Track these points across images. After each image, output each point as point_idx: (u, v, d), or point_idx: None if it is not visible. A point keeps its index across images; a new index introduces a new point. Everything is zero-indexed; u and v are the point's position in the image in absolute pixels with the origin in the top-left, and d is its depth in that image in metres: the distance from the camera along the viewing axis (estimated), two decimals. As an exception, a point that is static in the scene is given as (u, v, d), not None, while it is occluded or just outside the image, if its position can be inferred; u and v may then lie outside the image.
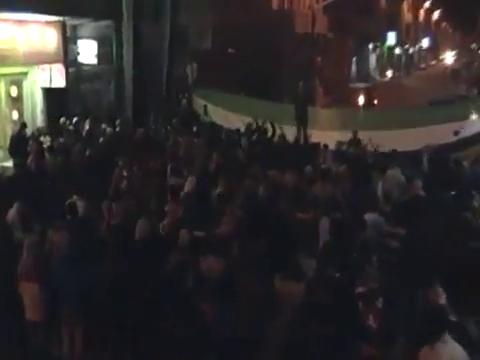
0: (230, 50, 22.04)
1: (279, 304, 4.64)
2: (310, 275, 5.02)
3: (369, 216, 6.24)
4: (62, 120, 12.54)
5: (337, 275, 5.06)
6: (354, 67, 35.49)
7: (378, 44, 40.95)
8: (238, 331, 4.43)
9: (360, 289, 4.68)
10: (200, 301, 4.65)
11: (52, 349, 5.40)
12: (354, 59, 35.63)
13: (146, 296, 4.81)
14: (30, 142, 10.80)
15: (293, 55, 24.66)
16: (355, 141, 10.70)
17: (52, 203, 7.11)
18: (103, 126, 12.50)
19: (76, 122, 12.60)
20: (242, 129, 12.44)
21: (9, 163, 10.82)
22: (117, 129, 12.40)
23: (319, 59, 28.83)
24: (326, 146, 10.55)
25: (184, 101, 15.82)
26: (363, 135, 11.25)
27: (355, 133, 11.05)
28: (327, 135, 12.12)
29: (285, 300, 4.66)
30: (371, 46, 39.33)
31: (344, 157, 9.63)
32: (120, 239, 5.69)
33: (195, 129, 13.03)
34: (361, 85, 31.54)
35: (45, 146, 10.56)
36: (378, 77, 38.98)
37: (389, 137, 11.00)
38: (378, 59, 42.30)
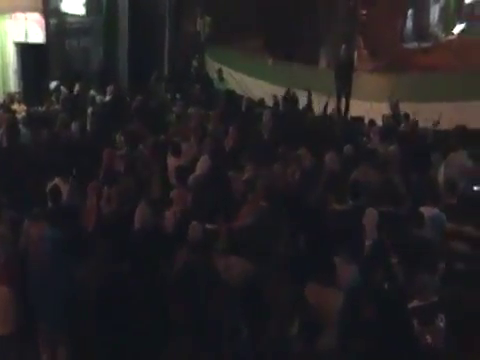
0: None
1: (311, 317, 4.66)
2: (350, 284, 5.02)
3: (427, 210, 6.19)
4: (54, 85, 12.51)
5: (386, 284, 5.04)
6: (410, 22, 34.90)
7: (443, -7, 40.17)
8: (259, 349, 4.44)
9: (416, 303, 4.64)
10: (213, 311, 4.67)
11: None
12: (410, 12, 35.03)
13: (147, 304, 4.84)
14: (-1, 111, 10.92)
15: (332, 7, 24.37)
16: (407, 116, 10.63)
17: (28, 187, 7.19)
18: (92, 93, 12.55)
19: (57, 87, 12.65)
20: (267, 99, 12.39)
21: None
22: (109, 97, 12.43)
23: (364, 12, 28.44)
24: (372, 121, 10.48)
25: (194, 63, 15.77)
26: (422, 108, 11.15)
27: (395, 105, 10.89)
28: (373, 107, 12.04)
29: (319, 313, 4.68)
30: (433, -4, 38.64)
31: (395, 135, 9.54)
32: (114, 231, 5.75)
33: (206, 98, 13.04)
34: (419, 45, 30.99)
35: (19, 117, 10.66)
36: (442, 34, 38.21)
37: (456, 111, 10.86)
38: (442, 11, 41.42)
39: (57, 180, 7.14)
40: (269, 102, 12.39)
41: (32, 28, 13.43)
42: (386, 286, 5.11)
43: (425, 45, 29.77)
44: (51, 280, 5.18)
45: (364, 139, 9.56)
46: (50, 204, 6.47)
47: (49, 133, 9.42)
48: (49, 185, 7.05)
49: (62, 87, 12.69)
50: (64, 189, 6.89)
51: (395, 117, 10.93)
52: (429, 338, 4.25)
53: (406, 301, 4.70)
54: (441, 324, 4.33)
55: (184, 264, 5.03)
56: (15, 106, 11.50)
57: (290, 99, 12.06)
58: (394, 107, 11.26)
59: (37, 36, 13.47)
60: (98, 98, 12.30)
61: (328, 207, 6.32)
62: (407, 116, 10.42)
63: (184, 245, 5.51)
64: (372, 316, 4.63)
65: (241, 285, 4.95)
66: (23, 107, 11.52)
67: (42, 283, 5.22)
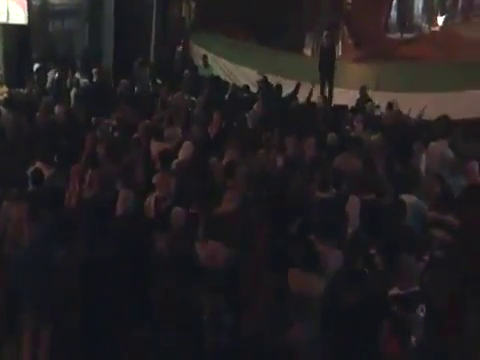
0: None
1: (294, 304, 4.65)
2: (333, 270, 5.01)
3: (409, 198, 6.20)
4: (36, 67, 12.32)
5: (367, 271, 5.04)
6: (394, 12, 34.89)
7: (427, -17, 40.16)
8: (240, 338, 4.44)
9: (396, 290, 4.65)
10: (195, 298, 4.64)
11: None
12: (394, 2, 35.01)
13: (128, 290, 4.80)
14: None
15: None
16: (390, 105, 10.64)
17: (9, 171, 7.08)
18: (76, 76, 12.43)
19: (40, 69, 12.45)
20: (251, 86, 12.33)
21: None
22: (94, 80, 12.28)
23: (349, 3, 28.39)
24: (355, 109, 10.47)
25: (179, 48, 15.60)
26: (404, 97, 11.19)
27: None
28: (357, 96, 12.07)
29: (302, 299, 4.68)
30: (418, -15, 38.63)
31: (378, 124, 9.55)
32: (95, 215, 5.69)
33: (192, 84, 12.93)
34: (403, 35, 30.98)
35: (1, 98, 10.51)
36: (425, 25, 38.19)
37: (438, 101, 10.90)
38: (426, 3, 41.41)
39: (39, 164, 7.06)
40: (253, 89, 12.36)
41: (14, 8, 13.16)
42: (367, 272, 5.12)
43: (409, 36, 29.84)
44: (32, 264, 5.07)
45: (347, 127, 9.53)
46: (31, 187, 6.39)
47: (31, 116, 9.30)
48: (31, 169, 6.99)
49: (46, 70, 12.52)
50: (46, 173, 6.81)
51: (362, 102, 10.97)
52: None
53: (386, 287, 4.74)
54: (421, 314, 4.34)
55: (166, 250, 4.97)
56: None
57: (266, 86, 11.98)
58: (363, 92, 11.31)
59: (19, 17, 13.22)
60: (82, 81, 12.18)
61: (311, 194, 6.30)
62: (390, 105, 10.40)
63: (166, 230, 5.48)
64: (353, 301, 4.64)
65: (223, 271, 4.94)
66: (5, 89, 11.34)
67: (24, 265, 5.11)
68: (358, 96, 11.53)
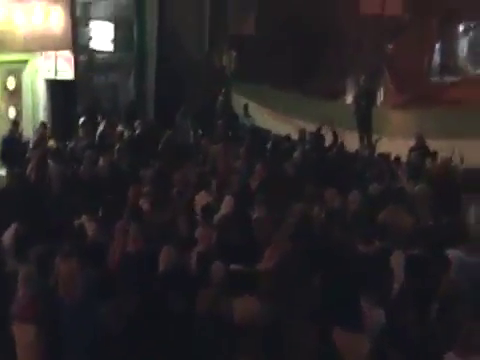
0: (278, 35, 22.08)
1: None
2: (377, 329, 4.95)
3: (453, 253, 6.09)
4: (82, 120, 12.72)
5: (414, 331, 4.95)
6: (438, 56, 34.73)
7: (472, 25, 39.73)
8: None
9: (452, 356, 4.51)
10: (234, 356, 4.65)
11: None
12: (438, 45, 34.87)
13: (171, 348, 4.83)
14: (29, 146, 11.14)
15: (358, 43, 24.47)
16: (434, 153, 10.53)
17: (56, 224, 7.28)
18: (120, 128, 12.78)
19: (85, 122, 12.88)
20: (293, 136, 12.44)
21: (1, 171, 10.71)
22: (137, 132, 12.62)
23: (390, 46, 28.48)
24: (398, 159, 10.43)
25: (220, 98, 15.95)
26: (448, 144, 11.08)
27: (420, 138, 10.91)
28: (399, 144, 12.00)
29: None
30: (462, 28, 38.28)
31: (422, 173, 9.47)
32: (138, 271, 5.79)
33: (232, 134, 13.15)
34: (447, 79, 30.72)
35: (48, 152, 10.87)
36: (470, 67, 37.68)
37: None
38: (471, 44, 40.91)
39: (84, 218, 7.26)
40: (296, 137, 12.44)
41: (61, 65, 13.76)
42: (417, 333, 5.02)
43: (453, 79, 29.60)
44: (82, 319, 5.17)
45: (390, 177, 9.47)
46: (76, 242, 6.54)
47: (76, 169, 9.59)
48: (76, 222, 7.20)
49: (92, 123, 12.90)
50: (90, 227, 6.99)
51: (421, 151, 10.84)
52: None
53: (440, 352, 4.59)
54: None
55: (207, 309, 5.00)
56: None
57: (319, 136, 12.03)
58: (419, 140, 11.17)
59: (66, 73, 13.77)
60: (126, 133, 12.51)
61: (353, 249, 6.27)
62: (435, 154, 10.32)
63: (207, 285, 5.51)
64: None
65: (262, 330, 4.92)
66: (52, 142, 11.74)
67: (73, 321, 5.19)
68: (408, 145, 11.37)
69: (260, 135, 13.02)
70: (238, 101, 16.01)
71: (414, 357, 4.58)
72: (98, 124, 12.85)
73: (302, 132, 12.30)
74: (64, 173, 9.38)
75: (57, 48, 13.56)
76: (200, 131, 13.55)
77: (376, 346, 4.78)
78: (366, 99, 13.04)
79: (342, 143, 11.65)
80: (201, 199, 7.99)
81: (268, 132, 13.55)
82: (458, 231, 6.76)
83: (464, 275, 5.93)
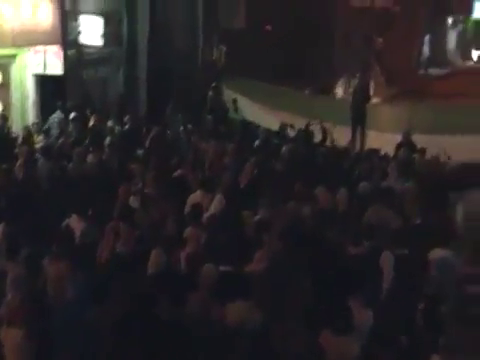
0: (268, 27, 22.01)
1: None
2: (365, 330, 4.94)
3: (436, 253, 6.07)
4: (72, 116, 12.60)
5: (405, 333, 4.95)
6: (427, 48, 34.76)
7: (460, 17, 39.70)
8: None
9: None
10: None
11: None
12: (427, 38, 34.88)
13: (160, 352, 4.80)
14: (18, 142, 11.03)
15: (348, 36, 24.44)
16: (422, 150, 10.46)
17: (46, 223, 7.21)
18: (110, 123, 12.66)
19: (75, 118, 12.75)
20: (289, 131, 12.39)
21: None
22: (127, 127, 12.51)
23: (381, 40, 28.47)
24: (387, 156, 10.40)
25: (210, 93, 15.86)
26: (439, 140, 11.06)
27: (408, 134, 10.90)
28: (389, 139, 11.98)
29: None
30: (450, 20, 38.27)
31: (411, 170, 9.43)
32: (128, 273, 5.74)
33: (223, 129, 13.08)
34: (436, 71, 30.77)
35: (37, 147, 10.76)
36: (459, 61, 37.78)
37: (476, 143, 10.76)
38: (460, 37, 40.97)
39: (73, 217, 7.18)
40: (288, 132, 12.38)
41: (51, 60, 13.67)
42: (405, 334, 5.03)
43: (442, 72, 29.66)
44: (72, 322, 5.10)
45: (380, 175, 9.42)
46: (65, 243, 6.47)
47: (65, 167, 9.48)
48: (66, 221, 7.12)
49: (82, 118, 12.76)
50: (80, 227, 6.92)
51: (408, 147, 10.81)
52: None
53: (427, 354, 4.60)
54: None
55: (197, 312, 4.97)
56: (35, 137, 11.59)
57: (307, 133, 11.98)
58: (407, 137, 11.16)
59: (55, 68, 13.69)
60: (117, 128, 12.40)
61: (343, 250, 6.26)
62: (423, 150, 10.27)
63: (197, 288, 5.48)
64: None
65: (252, 334, 4.90)
66: (41, 138, 11.63)
67: (61, 325, 5.15)
68: (396, 140, 11.31)
69: (250, 131, 12.95)
70: (229, 96, 15.93)
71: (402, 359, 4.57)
72: (88, 120, 12.76)
73: (283, 127, 12.20)
74: (53, 170, 9.28)
75: (46, 43, 13.49)
76: (190, 126, 13.46)
77: (365, 348, 4.77)
78: (361, 94, 13.01)
79: (332, 139, 11.62)
80: (195, 198, 7.92)
81: (258, 127, 13.48)
82: (446, 230, 6.75)
83: (450, 275, 5.92)
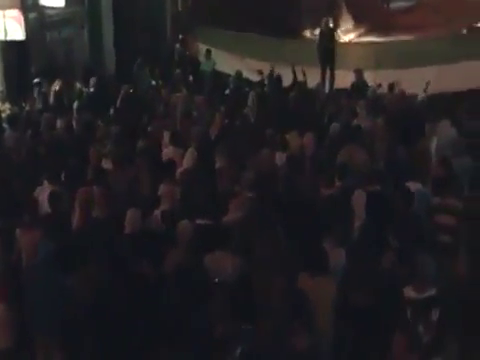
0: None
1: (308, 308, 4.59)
2: (336, 269, 4.96)
3: (413, 185, 6.09)
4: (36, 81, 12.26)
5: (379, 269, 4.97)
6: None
7: None
8: (257, 347, 4.40)
9: (412, 294, 4.55)
10: (207, 311, 4.62)
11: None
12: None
13: (141, 311, 4.78)
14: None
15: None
16: (392, 86, 10.33)
17: (17, 192, 7.06)
18: (78, 85, 12.34)
19: (39, 83, 12.37)
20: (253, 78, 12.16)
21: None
22: (93, 88, 12.20)
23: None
24: (355, 93, 10.27)
25: (177, 46, 15.46)
26: (406, 74, 10.98)
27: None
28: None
29: (314, 303, 4.63)
30: None
31: (380, 106, 9.35)
32: (105, 236, 5.67)
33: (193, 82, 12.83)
34: (401, 4, 30.20)
35: (3, 116, 10.50)
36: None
37: (441, 74, 10.65)
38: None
39: (45, 183, 7.03)
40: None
41: (11, 25, 13.16)
42: (379, 270, 5.06)
43: (407, 4, 29.20)
44: (46, 291, 5.07)
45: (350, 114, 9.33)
46: (39, 211, 6.36)
47: (34, 133, 9.24)
48: (38, 189, 6.96)
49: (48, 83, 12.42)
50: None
51: (358, 85, 10.70)
52: (421, 329, 4.20)
53: (400, 287, 4.65)
54: (434, 318, 4.26)
55: (176, 266, 4.93)
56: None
57: (274, 78, 11.74)
58: (358, 75, 10.96)
59: (16, 33, 13.23)
60: (85, 90, 12.10)
61: (316, 193, 6.23)
62: (392, 87, 10.16)
63: (175, 244, 5.44)
64: (362, 302, 4.58)
65: (233, 282, 4.90)
66: (6, 106, 11.34)
67: (37, 294, 5.12)
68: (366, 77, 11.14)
69: (220, 81, 12.71)
70: (197, 47, 15.55)
71: (374, 295, 4.59)
72: (56, 84, 12.41)
73: (260, 73, 11.98)
74: (22, 139, 9.05)
75: (4, 7, 12.98)
76: (160, 81, 13.18)
77: (343, 288, 4.80)
78: (328, 36, 12.71)
79: (303, 82, 11.41)
80: (167, 154, 7.79)
81: (229, 77, 13.22)
82: (416, 163, 6.76)
83: (423, 206, 5.97)
